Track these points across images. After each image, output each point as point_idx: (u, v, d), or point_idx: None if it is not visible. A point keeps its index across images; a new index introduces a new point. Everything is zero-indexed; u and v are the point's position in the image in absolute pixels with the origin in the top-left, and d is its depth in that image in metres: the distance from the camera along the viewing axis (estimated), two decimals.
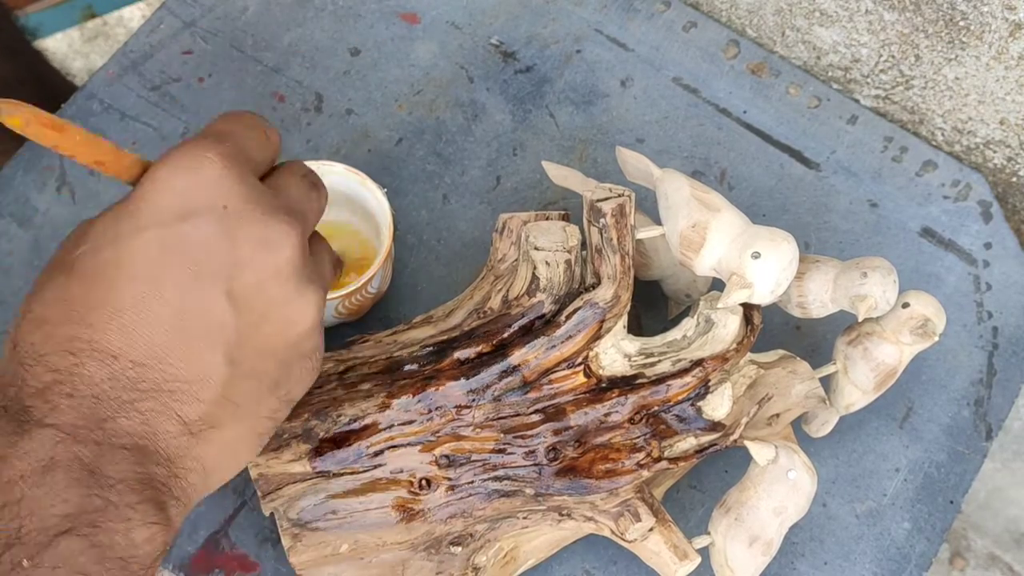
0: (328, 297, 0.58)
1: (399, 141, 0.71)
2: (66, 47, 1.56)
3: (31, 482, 0.35)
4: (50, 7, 1.41)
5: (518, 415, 0.54)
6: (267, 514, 0.54)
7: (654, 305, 0.66)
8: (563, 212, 0.58)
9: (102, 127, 0.70)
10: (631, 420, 0.54)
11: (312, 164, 0.61)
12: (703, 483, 0.63)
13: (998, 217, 0.71)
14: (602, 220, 0.53)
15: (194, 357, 0.38)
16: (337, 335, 0.62)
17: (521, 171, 0.71)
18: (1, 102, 0.36)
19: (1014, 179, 0.74)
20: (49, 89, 0.96)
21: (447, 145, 0.71)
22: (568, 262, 0.54)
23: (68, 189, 0.68)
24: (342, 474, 0.54)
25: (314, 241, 0.45)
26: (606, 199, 0.53)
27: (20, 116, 0.36)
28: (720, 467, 0.63)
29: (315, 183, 0.45)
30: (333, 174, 0.61)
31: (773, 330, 0.66)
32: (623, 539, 0.54)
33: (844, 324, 0.61)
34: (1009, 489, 1.17)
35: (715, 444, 0.55)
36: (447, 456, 0.54)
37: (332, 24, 0.75)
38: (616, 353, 0.55)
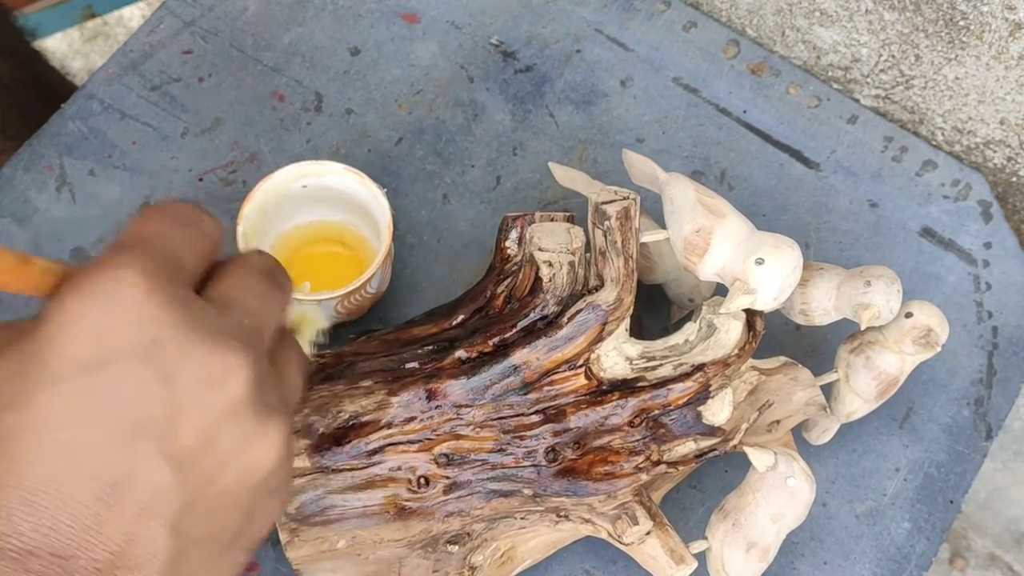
0: (327, 297, 0.58)
1: (399, 141, 0.71)
2: (66, 47, 1.56)
3: None
4: (50, 7, 1.41)
5: (518, 415, 0.54)
6: None
7: (656, 309, 0.66)
8: (568, 213, 0.58)
9: (102, 127, 0.70)
10: (631, 423, 0.54)
11: (312, 164, 0.61)
12: (703, 483, 0.63)
13: (998, 217, 0.71)
14: (607, 223, 0.53)
15: (132, 537, 0.31)
16: (337, 335, 0.62)
17: (521, 171, 0.71)
18: None
19: (1014, 179, 0.74)
20: (48, 89, 0.96)
21: (447, 145, 0.71)
22: (572, 264, 0.54)
23: (68, 189, 0.68)
24: (341, 470, 0.54)
25: (279, 351, 0.36)
26: (611, 202, 0.53)
27: None
28: (720, 467, 0.63)
29: (273, 278, 0.36)
30: (333, 174, 0.61)
31: (773, 331, 0.66)
32: (620, 542, 0.54)
33: (845, 326, 0.61)
34: (1009, 489, 1.17)
35: (714, 449, 0.55)
36: (446, 455, 0.54)
37: (332, 24, 0.75)
38: (617, 356, 0.55)
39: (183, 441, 0.31)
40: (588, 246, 0.55)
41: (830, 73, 0.75)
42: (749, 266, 0.52)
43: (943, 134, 0.74)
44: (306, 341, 0.49)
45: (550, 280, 0.53)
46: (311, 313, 0.47)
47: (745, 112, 0.73)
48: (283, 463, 0.34)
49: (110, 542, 0.30)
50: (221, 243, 0.35)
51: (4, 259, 0.32)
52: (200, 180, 0.69)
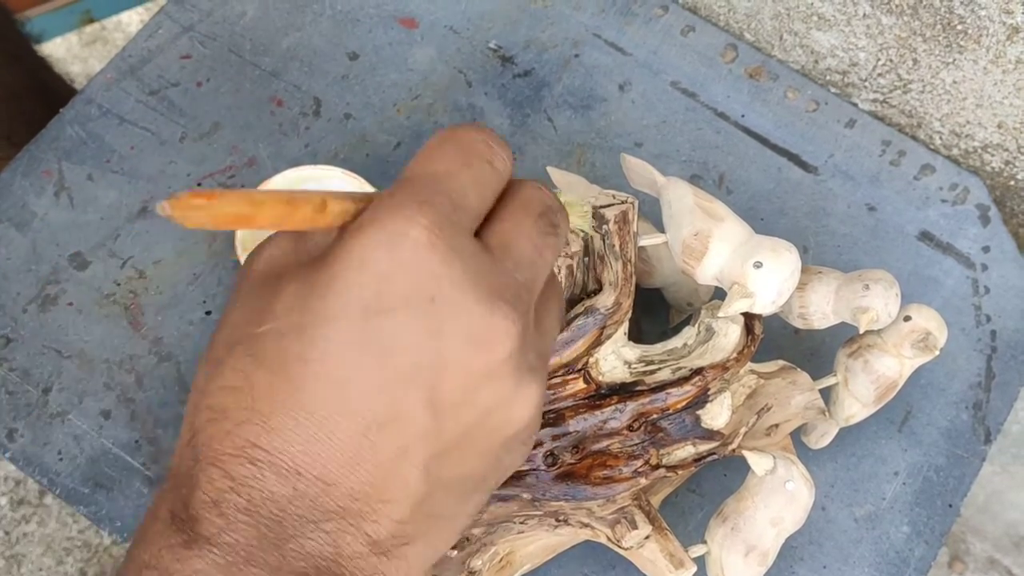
0: None
1: (397, 145, 0.71)
2: (64, 51, 1.56)
3: None
4: (49, 12, 1.41)
5: None
6: None
7: (655, 312, 0.66)
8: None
9: (100, 132, 0.70)
10: (630, 427, 0.54)
11: (311, 169, 0.61)
12: (702, 486, 0.63)
13: (996, 220, 0.71)
14: (605, 226, 0.53)
15: (388, 473, 0.33)
16: None
17: (519, 175, 0.70)
18: (169, 202, 0.29)
19: (1012, 182, 0.74)
20: (53, 96, 0.96)
21: None
22: (570, 267, 0.54)
23: (66, 194, 0.68)
24: None
25: (541, 302, 0.36)
26: (609, 206, 0.53)
27: (204, 209, 0.30)
28: (719, 471, 0.63)
29: (552, 224, 0.36)
30: (331, 178, 0.61)
31: (771, 334, 0.66)
32: (619, 546, 0.54)
33: (843, 329, 0.61)
34: (1008, 492, 1.17)
35: (713, 453, 0.55)
36: None
37: (330, 28, 0.75)
38: (616, 360, 0.55)
39: (445, 393, 0.32)
40: (587, 250, 0.55)
41: (828, 77, 0.75)
42: (747, 270, 0.52)
43: (941, 138, 0.74)
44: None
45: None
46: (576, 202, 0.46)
47: (743, 116, 0.74)
48: (533, 423, 0.35)
49: (368, 475, 0.32)
50: (512, 170, 0.36)
51: (303, 210, 0.32)
52: (198, 184, 0.69)
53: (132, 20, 1.57)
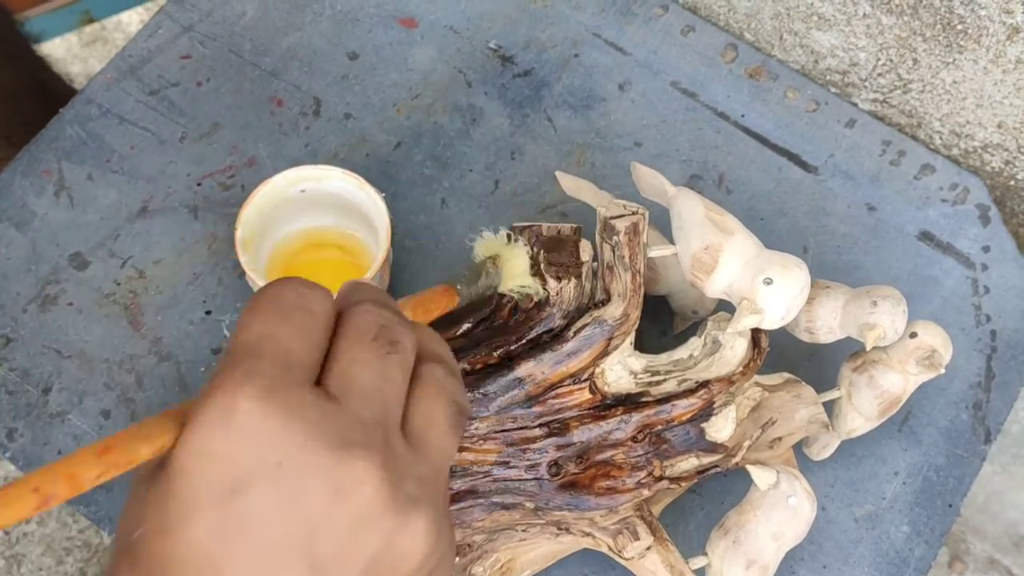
0: None
1: (397, 145, 0.71)
2: (64, 51, 1.56)
3: None
4: (48, 12, 1.41)
5: (522, 428, 0.54)
6: None
7: (658, 318, 0.66)
8: (575, 226, 0.58)
9: (100, 132, 0.70)
10: (634, 438, 0.54)
11: (310, 169, 0.61)
12: (702, 487, 0.63)
13: (996, 220, 0.71)
14: (615, 238, 0.52)
15: None
16: None
17: (519, 175, 0.71)
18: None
19: (1012, 182, 0.74)
20: (52, 96, 0.96)
21: (445, 149, 0.71)
22: (579, 277, 0.53)
23: (66, 194, 0.68)
24: None
25: (414, 418, 0.34)
26: (620, 216, 0.53)
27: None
28: (720, 473, 0.63)
29: (391, 342, 0.34)
30: (331, 179, 0.61)
31: (774, 336, 0.66)
32: (621, 556, 0.54)
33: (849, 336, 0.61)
34: (1008, 492, 1.17)
35: (716, 466, 0.55)
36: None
37: (330, 28, 0.75)
38: (622, 370, 0.55)
39: (324, 555, 0.31)
40: (595, 259, 0.55)
41: (828, 77, 0.75)
42: (757, 286, 0.52)
43: (941, 138, 0.74)
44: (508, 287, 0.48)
45: (557, 293, 0.53)
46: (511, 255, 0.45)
47: (743, 116, 0.73)
48: (431, 554, 0.34)
49: None
50: (333, 314, 0.34)
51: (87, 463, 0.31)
52: (198, 185, 0.69)
53: (132, 20, 1.57)
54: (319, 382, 0.33)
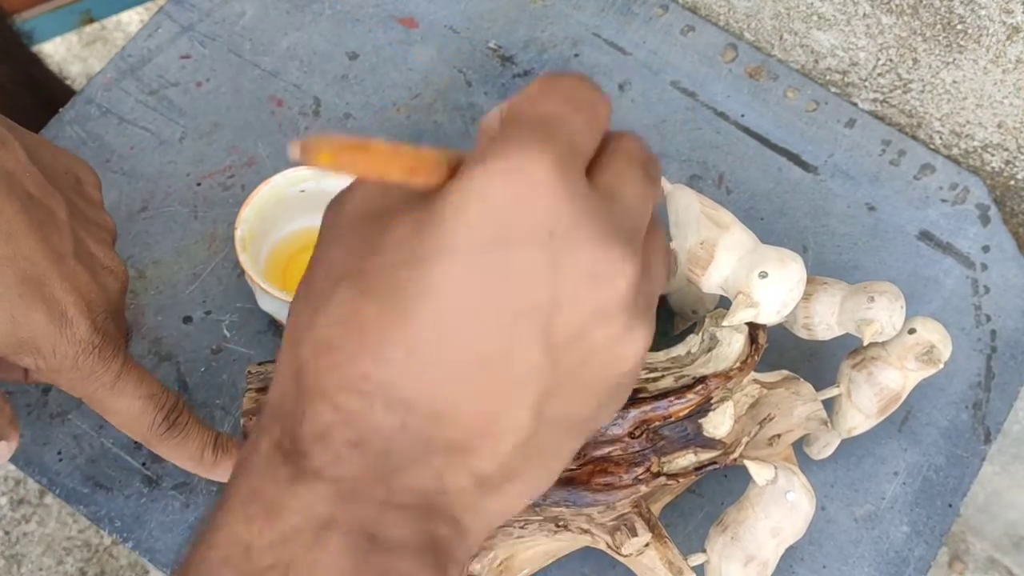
0: None
1: None
2: (64, 51, 1.56)
3: (304, 543, 0.30)
4: (48, 12, 1.41)
5: None
6: None
7: (657, 318, 0.66)
8: None
9: (100, 132, 0.70)
10: (631, 434, 0.54)
11: (309, 169, 0.61)
12: (702, 488, 0.63)
13: (996, 220, 0.71)
14: None
15: (498, 409, 0.32)
16: None
17: None
18: (301, 144, 0.29)
19: (1012, 182, 0.74)
20: (45, 93, 0.96)
21: None
22: None
23: None
24: None
25: (648, 248, 0.36)
26: None
27: (326, 151, 0.30)
28: (719, 473, 0.63)
29: (652, 174, 0.36)
30: (331, 179, 0.61)
31: (772, 334, 0.66)
32: (619, 553, 0.54)
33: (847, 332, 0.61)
34: (1008, 492, 1.17)
35: (715, 462, 0.55)
36: None
37: (330, 28, 0.75)
38: None
39: (558, 331, 0.32)
40: None
41: (828, 77, 0.75)
42: (753, 279, 0.52)
43: (941, 138, 0.74)
44: None
45: None
46: None
47: (743, 116, 0.74)
48: (640, 363, 0.35)
49: (478, 411, 0.32)
50: (609, 122, 0.36)
51: (409, 151, 0.31)
52: (198, 184, 0.69)
53: (132, 20, 1.57)
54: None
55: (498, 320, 0.31)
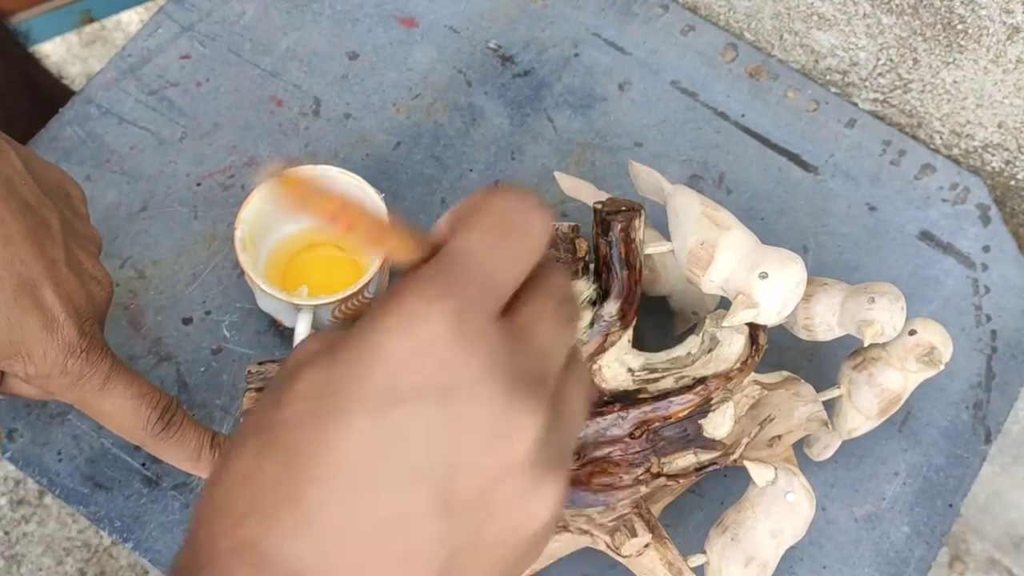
0: (325, 301, 0.58)
1: (397, 145, 0.71)
2: (64, 51, 1.56)
3: None
4: (48, 11, 1.41)
5: None
6: None
7: (659, 319, 0.66)
8: (572, 224, 0.58)
9: (99, 132, 0.70)
10: (631, 435, 0.54)
11: (310, 169, 0.61)
12: (702, 488, 0.63)
13: (996, 220, 0.71)
14: (611, 234, 0.53)
15: None
16: None
17: (519, 175, 0.71)
18: (281, 173, 0.29)
19: (1012, 182, 0.74)
20: (42, 93, 0.96)
21: (445, 149, 0.71)
22: (575, 274, 0.54)
23: None
24: None
25: (562, 390, 0.33)
26: (616, 213, 0.53)
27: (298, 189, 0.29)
28: (720, 473, 0.63)
29: (568, 309, 0.34)
30: (330, 179, 0.61)
31: (773, 335, 0.66)
32: (618, 554, 0.54)
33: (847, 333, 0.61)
34: (1008, 493, 1.17)
35: (715, 463, 0.54)
36: None
37: (330, 28, 0.75)
38: (620, 367, 0.55)
39: (459, 494, 0.30)
40: (591, 255, 0.55)
41: (828, 77, 0.75)
42: (753, 280, 0.52)
43: (941, 138, 0.74)
44: None
45: None
46: None
47: (743, 116, 0.73)
48: (552, 520, 0.33)
49: None
50: (545, 244, 0.33)
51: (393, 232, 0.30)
52: (198, 184, 0.69)
53: (132, 20, 1.57)
54: (503, 312, 0.32)
55: (394, 484, 0.29)
